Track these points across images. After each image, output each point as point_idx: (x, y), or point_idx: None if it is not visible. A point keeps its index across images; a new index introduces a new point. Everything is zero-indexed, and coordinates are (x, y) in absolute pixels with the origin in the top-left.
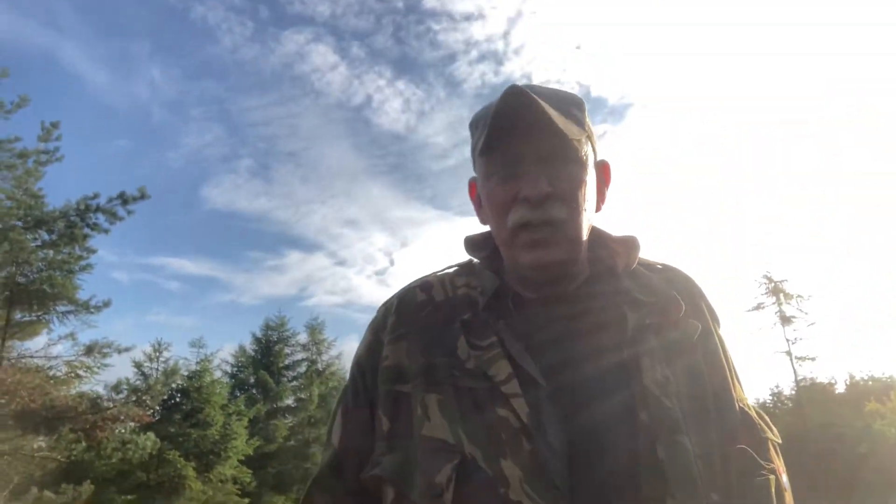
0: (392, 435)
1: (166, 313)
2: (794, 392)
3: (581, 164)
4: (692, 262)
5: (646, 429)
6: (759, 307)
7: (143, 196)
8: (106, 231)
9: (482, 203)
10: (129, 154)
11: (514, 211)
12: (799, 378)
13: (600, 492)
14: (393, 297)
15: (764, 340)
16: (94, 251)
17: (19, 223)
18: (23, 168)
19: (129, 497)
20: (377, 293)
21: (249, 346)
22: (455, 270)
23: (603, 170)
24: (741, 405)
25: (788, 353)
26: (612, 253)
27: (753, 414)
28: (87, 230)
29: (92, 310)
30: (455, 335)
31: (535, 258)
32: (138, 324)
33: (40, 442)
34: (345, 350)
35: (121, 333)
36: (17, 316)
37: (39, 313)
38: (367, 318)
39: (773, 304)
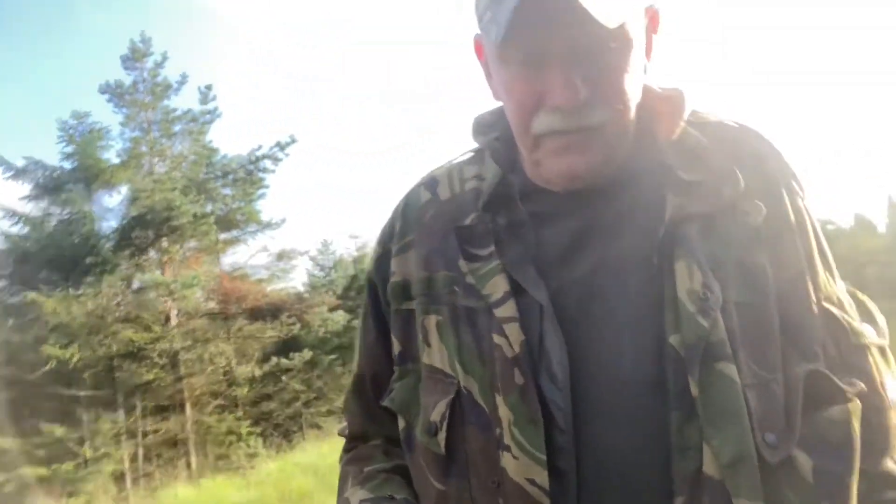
0: (403, 358)
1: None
2: None
3: (627, 45)
4: None
5: (676, 357)
6: None
7: (293, 141)
8: (273, 171)
9: (495, 81)
10: None
11: (542, 117)
12: None
13: (614, 432)
14: (401, 199)
15: None
16: (266, 186)
17: (204, 172)
18: (198, 130)
19: (331, 356)
20: None
21: None
22: (468, 158)
23: (651, 18)
24: (825, 304)
25: None
26: (653, 114)
27: (845, 312)
28: (260, 174)
29: (273, 226)
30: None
31: (566, 167)
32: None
33: (268, 327)
34: None
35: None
36: (222, 236)
37: (237, 233)
38: None
39: None
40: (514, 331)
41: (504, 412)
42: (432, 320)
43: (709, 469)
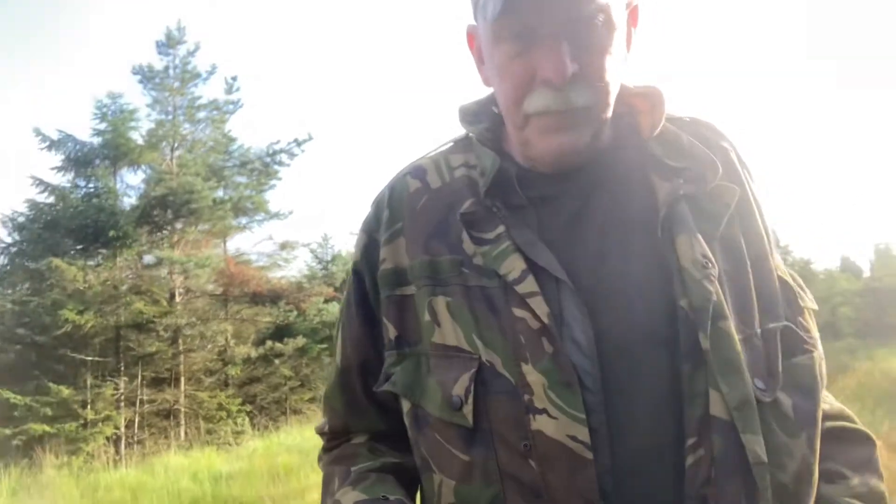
0: (401, 343)
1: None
2: None
3: (609, 25)
4: None
5: (686, 318)
6: None
7: (310, 138)
8: (288, 165)
9: (487, 66)
10: None
11: (535, 95)
12: None
13: (636, 389)
14: (384, 189)
15: None
16: (279, 179)
17: (221, 160)
18: (220, 119)
19: (322, 345)
20: None
21: None
22: (449, 148)
23: (631, 12)
24: (779, 273)
25: None
26: (633, 111)
27: (791, 281)
28: (276, 166)
29: (280, 216)
30: (459, 227)
31: (555, 146)
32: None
33: (266, 312)
34: None
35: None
36: (232, 222)
37: (244, 220)
38: None
39: None
40: (539, 304)
41: (535, 378)
42: (441, 301)
43: (716, 411)
